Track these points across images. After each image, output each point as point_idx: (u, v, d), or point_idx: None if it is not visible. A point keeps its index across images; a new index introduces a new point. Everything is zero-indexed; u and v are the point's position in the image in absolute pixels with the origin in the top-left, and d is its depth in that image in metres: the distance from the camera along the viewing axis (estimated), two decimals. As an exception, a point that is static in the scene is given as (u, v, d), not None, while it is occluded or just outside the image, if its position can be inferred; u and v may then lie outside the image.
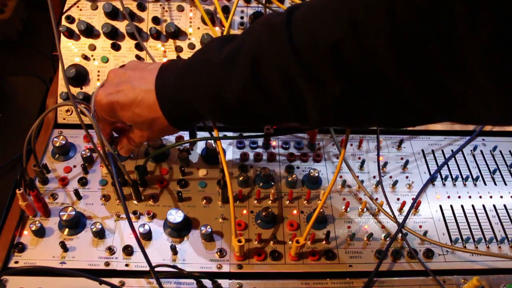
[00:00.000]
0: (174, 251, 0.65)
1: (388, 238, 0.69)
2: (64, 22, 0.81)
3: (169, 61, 0.61)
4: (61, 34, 0.81)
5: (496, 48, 0.31)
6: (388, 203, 0.72)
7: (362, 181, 0.75)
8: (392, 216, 0.71)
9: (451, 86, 0.36)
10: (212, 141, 0.74)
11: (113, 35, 0.81)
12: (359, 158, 0.79)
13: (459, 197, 0.76)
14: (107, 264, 0.64)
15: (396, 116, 0.45)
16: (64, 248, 0.64)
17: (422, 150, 0.82)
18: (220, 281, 0.62)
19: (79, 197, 0.71)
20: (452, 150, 0.81)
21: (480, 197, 0.76)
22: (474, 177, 0.78)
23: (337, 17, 0.40)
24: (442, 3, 0.33)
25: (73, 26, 0.81)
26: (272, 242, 0.68)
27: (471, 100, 0.37)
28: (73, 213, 0.65)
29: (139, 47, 0.82)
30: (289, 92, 0.46)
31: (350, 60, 0.40)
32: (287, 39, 0.44)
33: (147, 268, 0.59)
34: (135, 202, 0.71)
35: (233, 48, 0.49)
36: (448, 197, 0.76)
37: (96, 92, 0.61)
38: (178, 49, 0.82)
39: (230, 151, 0.79)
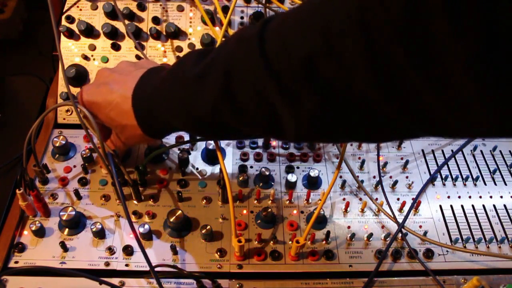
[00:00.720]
0: (174, 251, 0.65)
1: (388, 238, 0.69)
2: (64, 22, 0.81)
3: (152, 68, 0.61)
4: (61, 34, 0.81)
5: (481, 59, 0.29)
6: (388, 203, 0.72)
7: (362, 181, 0.75)
8: (392, 216, 0.71)
9: (432, 102, 0.34)
10: (212, 141, 0.74)
11: (113, 35, 0.81)
12: (359, 158, 0.79)
13: (459, 197, 0.76)
14: (107, 264, 0.64)
15: (374, 132, 0.43)
16: (64, 248, 0.64)
17: (422, 150, 0.82)
18: (220, 281, 0.62)
19: (79, 197, 0.71)
20: (452, 150, 0.81)
21: (480, 197, 0.76)
22: (474, 177, 0.78)
23: (310, 28, 0.38)
24: (420, 15, 0.30)
25: (73, 26, 0.81)
26: (272, 242, 0.68)
27: (453, 116, 0.34)
28: (73, 213, 0.65)
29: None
30: (263, 107, 0.44)
31: (323, 73, 0.38)
32: (258, 52, 0.42)
33: (147, 268, 0.59)
34: (135, 202, 0.71)
35: (207, 62, 0.49)
36: (448, 197, 0.76)
37: (81, 88, 0.63)
38: (178, 49, 0.82)
39: (230, 151, 0.79)
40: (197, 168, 0.76)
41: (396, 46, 0.32)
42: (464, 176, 0.78)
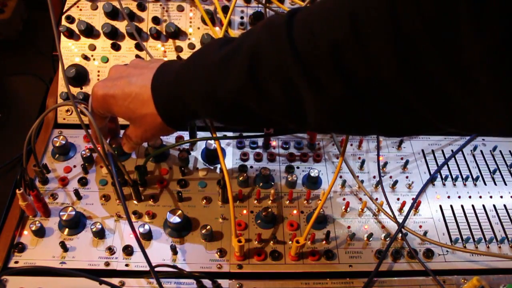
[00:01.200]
0: (174, 251, 0.65)
1: (388, 238, 0.69)
2: (64, 22, 0.81)
3: (169, 60, 0.61)
4: (61, 34, 0.81)
5: (501, 56, 0.30)
6: (388, 203, 0.72)
7: (362, 181, 0.75)
8: (392, 216, 0.71)
9: (453, 93, 0.35)
10: (212, 141, 0.74)
11: (113, 35, 0.81)
12: (359, 158, 0.79)
13: (459, 197, 0.76)
14: (107, 264, 0.64)
15: (396, 124, 0.44)
16: (64, 248, 0.64)
17: (422, 150, 0.82)
18: (220, 281, 0.62)
19: (79, 197, 0.71)
20: (452, 150, 0.81)
21: (480, 197, 0.76)
22: (474, 177, 0.78)
23: (338, 17, 0.39)
24: (447, 7, 0.32)
25: (73, 26, 0.81)
26: (272, 242, 0.68)
27: (474, 109, 0.36)
28: (73, 213, 0.65)
29: (139, 47, 0.82)
30: (287, 92, 0.45)
31: (350, 61, 0.39)
32: (287, 39, 0.43)
33: (147, 268, 0.59)
34: (135, 202, 0.71)
35: (232, 47, 0.49)
36: (448, 197, 0.76)
37: (95, 84, 0.61)
38: (178, 49, 0.82)
39: (230, 151, 0.79)
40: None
41: (423, 36, 0.33)
42: (464, 176, 0.78)
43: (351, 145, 0.81)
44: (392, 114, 0.42)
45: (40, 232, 0.66)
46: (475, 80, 0.33)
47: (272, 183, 0.75)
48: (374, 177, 0.77)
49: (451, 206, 0.74)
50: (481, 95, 0.34)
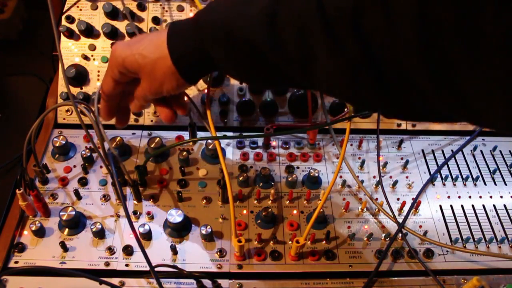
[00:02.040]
0: (174, 251, 0.65)
1: (388, 238, 0.69)
2: (64, 22, 0.81)
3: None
4: (61, 34, 0.81)
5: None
6: (388, 203, 0.72)
7: (362, 181, 0.75)
8: (392, 216, 0.71)
9: (469, 82, 0.35)
10: (212, 141, 0.74)
11: (113, 35, 0.81)
12: (359, 158, 0.79)
13: (459, 197, 0.76)
14: (107, 264, 0.64)
15: (405, 101, 0.43)
16: (64, 248, 0.64)
17: (422, 150, 0.82)
18: (220, 281, 0.62)
19: (79, 197, 0.71)
20: (452, 150, 0.81)
21: (480, 197, 0.76)
22: (474, 177, 0.78)
23: None
24: None
25: (73, 26, 0.81)
26: (272, 242, 0.68)
27: (483, 97, 0.35)
28: (73, 213, 0.65)
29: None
30: (302, 42, 0.43)
31: (370, 27, 0.38)
32: None
33: (147, 268, 0.59)
34: (135, 202, 0.71)
35: None
36: (448, 197, 0.76)
37: (115, 45, 0.60)
38: (178, 49, 0.82)
39: (230, 151, 0.79)
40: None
41: (448, 13, 0.33)
42: (464, 176, 0.78)
43: (351, 145, 0.82)
44: (404, 91, 0.41)
45: (40, 232, 0.66)
46: (492, 68, 0.32)
47: (272, 183, 0.75)
48: (374, 177, 0.77)
49: (451, 206, 0.74)
50: (497, 85, 0.33)
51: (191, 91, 0.81)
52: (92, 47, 0.81)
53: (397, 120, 0.82)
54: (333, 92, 0.49)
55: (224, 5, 0.51)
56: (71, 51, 0.81)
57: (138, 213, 0.69)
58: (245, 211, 0.71)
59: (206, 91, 0.76)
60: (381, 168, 0.77)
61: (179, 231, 0.67)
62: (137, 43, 0.57)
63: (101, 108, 0.63)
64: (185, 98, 0.71)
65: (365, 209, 0.72)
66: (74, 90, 0.80)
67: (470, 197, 0.76)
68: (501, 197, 0.76)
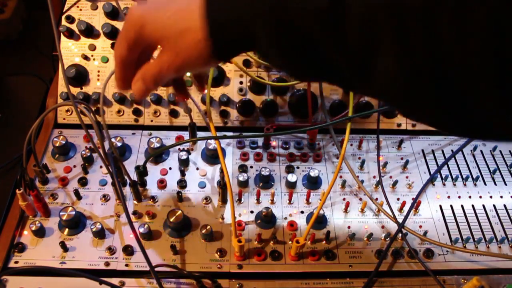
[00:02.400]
0: (174, 251, 0.65)
1: (388, 238, 0.69)
2: (64, 22, 0.81)
3: None
4: (61, 34, 0.81)
5: None
6: (388, 203, 0.72)
7: (362, 181, 0.75)
8: (392, 216, 0.71)
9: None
10: (212, 141, 0.74)
11: (113, 35, 0.81)
12: (359, 158, 0.79)
13: (459, 197, 0.76)
14: (107, 264, 0.64)
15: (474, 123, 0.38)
16: (64, 248, 0.64)
17: (422, 150, 0.82)
18: (220, 281, 0.62)
19: (79, 197, 0.71)
20: (452, 150, 0.81)
21: (480, 197, 0.76)
22: (474, 177, 0.78)
23: None
24: None
25: (73, 26, 0.81)
26: (272, 242, 0.68)
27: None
28: (73, 213, 0.65)
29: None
30: (367, 40, 0.38)
31: (442, 29, 0.34)
32: None
33: (147, 268, 0.59)
34: (135, 202, 0.71)
35: None
36: (448, 197, 0.76)
37: (132, 6, 0.52)
38: (178, 49, 0.82)
39: (230, 151, 0.79)
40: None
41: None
42: (464, 176, 0.78)
43: (351, 145, 0.82)
44: (463, 106, 0.36)
45: (40, 232, 0.66)
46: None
47: (272, 183, 0.75)
48: (374, 177, 0.77)
49: (451, 206, 0.74)
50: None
51: (191, 91, 0.81)
52: (92, 47, 0.81)
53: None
54: (388, 96, 0.43)
55: None
56: (71, 51, 0.81)
57: (138, 213, 0.69)
58: (245, 211, 0.71)
59: (206, 91, 0.76)
60: (381, 168, 0.77)
61: (179, 231, 0.67)
62: (163, 7, 0.47)
63: (115, 74, 0.55)
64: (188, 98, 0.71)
65: (365, 209, 0.72)
66: (74, 90, 0.80)
67: (470, 197, 0.76)
68: (501, 197, 0.76)
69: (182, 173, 0.75)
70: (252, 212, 0.71)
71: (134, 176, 0.71)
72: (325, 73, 0.45)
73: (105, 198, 0.71)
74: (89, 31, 0.81)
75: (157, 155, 0.76)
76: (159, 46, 0.50)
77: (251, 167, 0.77)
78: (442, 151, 0.82)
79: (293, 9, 0.40)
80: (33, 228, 0.65)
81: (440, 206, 0.74)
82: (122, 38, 0.51)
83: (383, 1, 0.37)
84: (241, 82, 0.83)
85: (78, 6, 0.83)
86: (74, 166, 0.75)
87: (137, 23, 0.48)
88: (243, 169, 0.76)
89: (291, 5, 0.41)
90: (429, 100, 0.38)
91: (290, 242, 0.68)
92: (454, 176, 0.77)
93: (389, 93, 0.41)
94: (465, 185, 0.77)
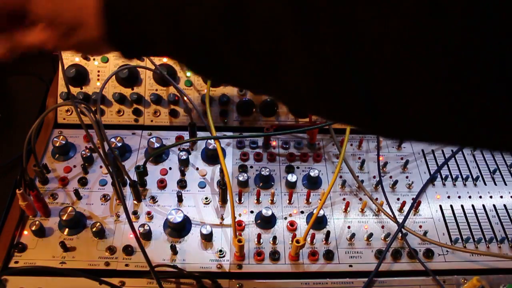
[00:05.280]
0: (174, 251, 0.65)
1: (388, 238, 0.69)
2: (64, 22, 0.81)
3: None
4: (61, 34, 0.81)
5: None
6: (388, 203, 0.72)
7: (362, 181, 0.75)
8: (392, 216, 0.70)
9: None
10: (212, 141, 0.74)
11: (113, 35, 0.81)
12: (359, 158, 0.79)
13: (459, 197, 0.76)
14: (107, 264, 0.64)
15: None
16: (64, 248, 0.64)
17: (422, 150, 0.82)
18: (220, 281, 0.62)
19: (79, 197, 0.71)
20: (452, 150, 0.81)
21: (480, 197, 0.76)
22: (474, 177, 0.78)
23: None
24: None
25: (73, 26, 0.81)
26: (272, 242, 0.68)
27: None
28: (73, 213, 0.65)
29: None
30: (270, 42, 0.35)
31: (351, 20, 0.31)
32: None
33: (147, 268, 0.59)
34: (135, 202, 0.71)
35: None
36: (448, 197, 0.76)
37: None
38: (178, 49, 0.82)
39: (230, 151, 0.79)
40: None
41: None
42: (464, 176, 0.78)
43: (351, 145, 0.82)
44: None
45: (40, 232, 0.66)
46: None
47: (272, 183, 0.75)
48: (374, 177, 0.77)
49: (451, 206, 0.74)
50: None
51: (191, 91, 0.82)
52: (92, 47, 0.81)
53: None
54: (295, 100, 0.40)
55: None
56: (71, 51, 0.81)
57: (138, 213, 0.69)
58: (245, 211, 0.71)
59: (206, 91, 0.76)
60: (381, 168, 0.77)
61: (179, 231, 0.67)
62: None
63: None
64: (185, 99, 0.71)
65: (365, 209, 0.72)
66: (74, 90, 0.80)
67: (470, 197, 0.76)
68: (501, 197, 0.76)
69: (182, 173, 0.75)
70: (252, 212, 0.71)
71: (134, 176, 0.71)
72: (226, 78, 0.43)
73: (105, 198, 0.71)
74: (89, 31, 0.81)
75: (157, 155, 0.76)
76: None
77: (251, 167, 0.77)
78: (442, 151, 0.82)
79: (190, 10, 0.38)
80: (33, 228, 0.65)
81: (440, 206, 0.74)
82: None
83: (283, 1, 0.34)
84: (241, 82, 0.83)
85: (78, 6, 0.83)
86: (74, 166, 0.75)
87: None
88: (243, 169, 0.76)
89: (181, 6, 0.38)
90: (341, 96, 0.34)
91: (290, 242, 0.68)
92: (454, 176, 0.77)
93: (299, 93, 0.38)
94: (465, 185, 0.77)
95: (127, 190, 0.71)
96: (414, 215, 0.73)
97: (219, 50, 0.38)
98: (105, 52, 0.46)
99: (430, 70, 0.29)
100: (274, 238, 0.67)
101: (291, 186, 0.74)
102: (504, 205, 0.75)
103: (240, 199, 0.72)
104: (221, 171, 0.68)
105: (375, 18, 0.30)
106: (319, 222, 0.70)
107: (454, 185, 0.77)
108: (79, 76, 0.79)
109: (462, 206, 0.75)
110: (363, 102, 0.33)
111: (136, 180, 0.70)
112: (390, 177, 0.77)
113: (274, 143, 0.80)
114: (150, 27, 0.40)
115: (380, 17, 0.30)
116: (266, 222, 0.69)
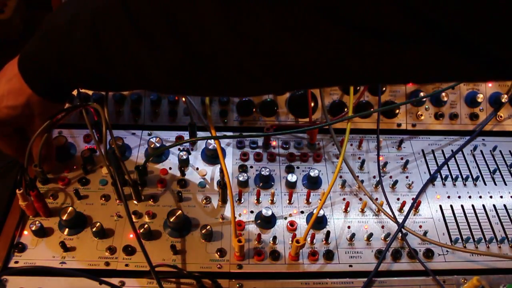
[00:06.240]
0: (174, 251, 0.65)
1: (388, 238, 0.69)
2: (64, 22, 0.81)
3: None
4: (61, 34, 0.80)
5: None
6: (388, 203, 0.72)
7: (362, 181, 0.75)
8: (392, 216, 0.71)
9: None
10: (212, 141, 0.74)
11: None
12: (359, 158, 0.79)
13: (459, 197, 0.76)
14: (107, 264, 0.64)
15: (232, 84, 0.45)
16: (64, 248, 0.64)
17: (422, 150, 0.82)
18: (220, 281, 0.62)
19: (79, 197, 0.71)
20: (452, 150, 0.81)
21: (480, 197, 0.76)
22: (474, 177, 0.78)
23: None
24: None
25: (73, 26, 0.81)
26: (272, 242, 0.68)
27: None
28: (73, 213, 0.65)
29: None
30: (125, 54, 0.46)
31: (181, 21, 0.40)
32: (120, 4, 0.43)
33: (147, 268, 0.59)
34: (135, 202, 0.71)
35: (77, 8, 0.49)
36: (448, 197, 0.76)
37: None
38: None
39: (230, 151, 0.79)
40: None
41: None
42: (464, 176, 0.78)
43: (351, 145, 0.82)
44: (227, 74, 0.43)
45: (40, 232, 0.66)
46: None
47: (272, 183, 0.75)
48: (374, 177, 0.77)
49: (451, 206, 0.74)
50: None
51: (191, 91, 0.82)
52: (92, 47, 0.81)
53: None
54: (175, 92, 0.56)
55: (51, 31, 0.51)
56: (71, 51, 0.81)
57: (138, 213, 0.69)
58: (245, 211, 0.71)
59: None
60: (381, 168, 0.77)
61: (179, 231, 0.67)
62: None
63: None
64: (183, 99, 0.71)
65: (365, 209, 0.72)
66: (74, 90, 0.80)
67: (470, 197, 0.76)
68: (501, 197, 0.76)
69: (182, 173, 0.75)
70: (252, 212, 0.71)
71: (134, 176, 0.71)
72: (120, 88, 0.60)
73: (105, 198, 0.71)
74: (89, 31, 0.81)
75: (157, 155, 0.76)
76: None
77: (251, 167, 0.77)
78: (442, 151, 0.82)
79: (66, 57, 0.50)
80: (33, 228, 0.65)
81: (440, 206, 0.74)
82: None
83: (121, 16, 0.43)
84: (241, 82, 0.82)
85: (78, 6, 0.83)
86: (74, 167, 0.75)
87: None
88: (243, 169, 0.76)
89: (65, 53, 0.50)
90: (197, 82, 0.45)
91: (290, 242, 0.68)
92: (454, 176, 0.77)
93: (174, 90, 0.53)
94: (465, 185, 0.77)
95: (127, 190, 0.71)
96: (414, 215, 0.73)
97: (101, 75, 0.51)
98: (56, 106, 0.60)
99: None
100: (274, 238, 0.67)
101: (291, 186, 0.74)
102: (504, 205, 0.75)
103: (240, 199, 0.72)
104: (221, 171, 0.68)
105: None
106: (319, 222, 0.70)
107: (454, 185, 0.77)
108: (79, 76, 0.79)
109: (462, 206, 0.75)
110: None
111: (136, 180, 0.70)
112: (390, 177, 0.77)
113: (274, 143, 0.80)
114: (53, 69, 0.52)
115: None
116: (266, 222, 0.69)
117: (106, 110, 0.63)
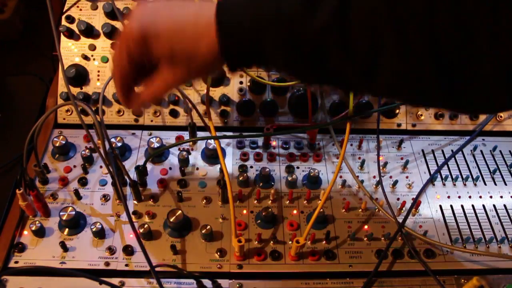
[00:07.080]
0: (174, 251, 0.65)
1: (388, 238, 0.69)
2: (64, 22, 0.81)
3: None
4: (61, 34, 0.81)
5: None
6: (388, 203, 0.72)
7: (362, 181, 0.75)
8: (392, 216, 0.71)
9: None
10: (212, 141, 0.74)
11: (113, 35, 0.81)
12: (359, 158, 0.79)
13: (459, 197, 0.76)
14: (107, 264, 0.64)
15: (474, 99, 0.43)
16: (64, 248, 0.64)
17: (422, 150, 0.82)
18: (220, 281, 0.62)
19: (79, 197, 0.71)
20: (452, 150, 0.81)
21: (480, 197, 0.76)
22: (474, 177, 0.78)
23: None
24: None
25: (73, 26, 0.81)
26: (272, 242, 0.68)
27: None
28: (73, 213, 0.65)
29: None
30: (372, 46, 0.41)
31: (442, 26, 0.38)
32: None
33: (147, 268, 0.59)
34: (135, 202, 0.71)
35: None
36: (448, 197, 0.76)
37: (130, 17, 0.48)
38: (178, 49, 0.82)
39: (230, 151, 0.79)
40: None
41: None
42: (464, 176, 0.78)
43: (351, 145, 0.82)
44: (469, 89, 0.41)
45: (40, 232, 0.66)
46: None
47: (272, 183, 0.75)
48: (374, 177, 0.77)
49: (451, 206, 0.74)
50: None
51: (191, 91, 0.82)
52: (92, 47, 0.81)
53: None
54: (395, 93, 0.47)
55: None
56: (71, 51, 0.81)
57: (138, 213, 0.69)
58: (245, 211, 0.71)
59: (206, 91, 0.76)
60: (381, 168, 0.77)
61: (179, 231, 0.67)
62: (165, 24, 0.46)
63: (117, 93, 0.53)
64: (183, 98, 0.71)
65: (365, 209, 0.72)
66: (74, 90, 0.80)
67: (470, 197, 0.76)
68: (501, 197, 0.76)
69: (182, 173, 0.75)
70: (252, 212, 0.71)
71: (134, 176, 0.71)
72: (330, 79, 0.48)
73: (105, 198, 0.71)
74: (89, 31, 0.81)
75: (157, 155, 0.76)
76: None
77: (251, 167, 0.77)
78: (442, 151, 0.82)
79: (300, 25, 0.42)
80: (33, 228, 0.65)
81: (440, 206, 0.74)
82: (122, 51, 0.48)
83: (381, 8, 0.40)
84: (241, 82, 0.83)
85: (78, 6, 0.83)
86: (74, 166, 0.75)
87: (140, 35, 0.46)
88: (243, 169, 0.76)
89: (297, 18, 0.42)
90: (431, 87, 0.42)
91: (290, 242, 0.68)
92: (454, 176, 0.77)
93: (395, 89, 0.45)
94: (465, 185, 0.77)
95: (127, 190, 0.71)
96: (414, 215, 0.73)
97: (327, 54, 0.43)
98: (218, 68, 0.54)
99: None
100: (274, 238, 0.67)
101: (291, 186, 0.74)
102: (504, 205, 0.75)
103: (240, 199, 0.72)
104: (221, 171, 0.68)
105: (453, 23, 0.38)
106: (319, 222, 0.70)
107: (454, 185, 0.77)
108: (79, 76, 0.79)
109: (462, 206, 0.75)
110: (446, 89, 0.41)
111: (136, 180, 0.70)
112: (390, 177, 0.77)
113: (274, 143, 0.80)
114: (265, 38, 0.44)
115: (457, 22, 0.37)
116: (266, 222, 0.69)
117: (100, 109, 0.62)
